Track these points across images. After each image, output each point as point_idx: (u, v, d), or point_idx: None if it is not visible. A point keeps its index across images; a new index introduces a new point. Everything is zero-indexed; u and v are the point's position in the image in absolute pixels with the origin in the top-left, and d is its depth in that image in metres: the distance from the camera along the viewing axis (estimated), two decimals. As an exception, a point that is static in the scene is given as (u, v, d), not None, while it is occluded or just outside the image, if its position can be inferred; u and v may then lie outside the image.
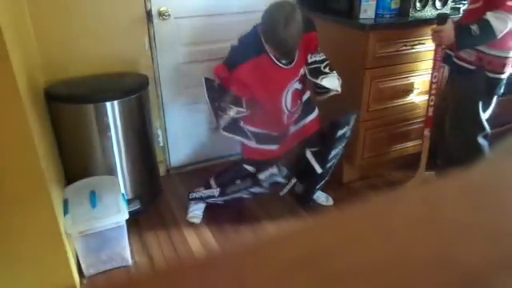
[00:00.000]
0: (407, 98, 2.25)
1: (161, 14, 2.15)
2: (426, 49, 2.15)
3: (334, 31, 2.23)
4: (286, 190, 2.19)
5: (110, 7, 2.03)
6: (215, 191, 2.03)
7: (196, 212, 2.08)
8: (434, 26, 1.86)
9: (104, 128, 1.89)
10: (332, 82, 1.86)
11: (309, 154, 2.01)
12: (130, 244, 1.80)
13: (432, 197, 0.21)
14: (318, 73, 1.86)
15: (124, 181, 2.04)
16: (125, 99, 1.90)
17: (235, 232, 2.03)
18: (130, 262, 1.80)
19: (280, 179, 1.97)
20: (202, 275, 0.17)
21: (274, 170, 1.90)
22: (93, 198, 1.71)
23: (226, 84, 1.82)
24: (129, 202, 1.96)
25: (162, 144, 2.43)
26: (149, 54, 2.21)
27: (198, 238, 1.98)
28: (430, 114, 2.03)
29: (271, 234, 0.19)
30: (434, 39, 1.88)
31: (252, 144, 1.97)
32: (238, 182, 1.99)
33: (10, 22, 1.35)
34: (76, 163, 1.96)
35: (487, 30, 1.65)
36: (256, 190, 1.99)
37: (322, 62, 1.88)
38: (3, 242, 1.38)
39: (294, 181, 2.19)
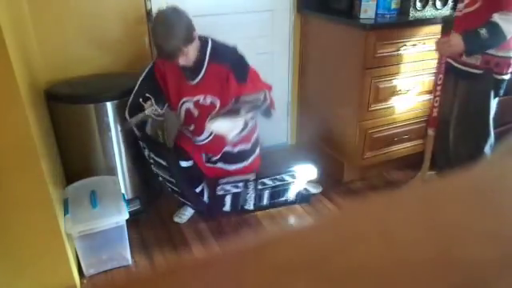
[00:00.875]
0: (407, 98, 2.25)
1: (161, 14, 2.15)
2: (426, 49, 2.15)
3: (334, 31, 2.23)
4: (185, 218, 2.10)
5: (110, 7, 2.03)
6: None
7: (184, 212, 2.10)
8: (439, 38, 1.84)
9: (104, 128, 1.89)
10: (222, 127, 1.73)
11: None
12: (130, 244, 1.80)
13: (432, 197, 0.21)
14: (215, 115, 1.75)
15: (124, 181, 2.04)
16: (125, 99, 1.90)
17: (235, 232, 2.03)
18: (130, 262, 1.80)
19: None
20: (202, 275, 0.17)
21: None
22: (93, 198, 1.71)
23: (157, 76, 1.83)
24: (129, 202, 1.96)
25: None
26: (149, 54, 2.21)
27: (198, 238, 1.98)
28: (435, 114, 1.99)
29: (271, 234, 0.19)
30: (440, 50, 1.84)
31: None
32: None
33: (11, 22, 1.35)
34: (76, 163, 1.96)
35: (497, 32, 1.59)
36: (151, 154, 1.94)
37: (236, 103, 1.76)
38: (3, 242, 1.38)
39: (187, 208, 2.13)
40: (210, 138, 1.91)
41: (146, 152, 1.92)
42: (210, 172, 2.04)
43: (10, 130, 1.24)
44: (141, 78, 1.84)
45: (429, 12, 2.12)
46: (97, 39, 2.06)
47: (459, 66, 1.84)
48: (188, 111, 1.88)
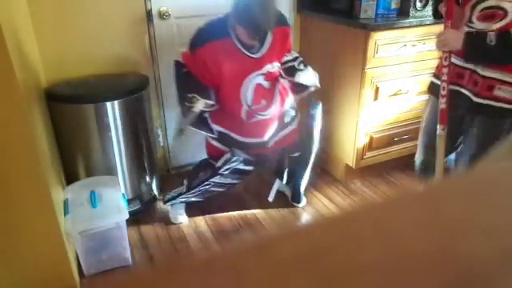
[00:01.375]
0: (407, 98, 2.25)
1: (161, 14, 2.15)
2: (426, 49, 2.16)
3: (335, 31, 2.23)
4: (273, 194, 2.20)
5: (110, 7, 2.03)
6: (182, 188, 2.03)
7: (177, 212, 2.08)
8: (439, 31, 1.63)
9: (104, 128, 1.89)
10: (309, 77, 1.83)
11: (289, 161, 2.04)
12: (130, 244, 1.80)
13: (432, 195, 0.21)
14: (293, 70, 1.83)
15: (124, 181, 2.04)
16: (125, 99, 1.91)
17: (235, 231, 2.03)
18: (130, 261, 1.80)
19: (241, 166, 1.93)
20: (202, 275, 0.17)
21: (227, 155, 1.88)
22: (93, 198, 1.71)
23: (192, 70, 1.76)
24: (129, 202, 1.96)
25: (162, 144, 2.43)
26: (149, 54, 2.21)
27: (198, 238, 1.98)
28: (443, 105, 1.57)
29: (271, 233, 0.19)
30: (436, 45, 1.55)
31: (215, 142, 1.94)
32: (201, 174, 2.00)
33: (11, 22, 1.35)
34: (76, 163, 1.96)
35: (508, 44, 1.32)
36: (219, 179, 1.96)
37: (294, 59, 1.86)
38: (3, 242, 1.38)
39: (278, 183, 2.21)
40: (279, 109, 1.91)
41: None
42: (271, 150, 2.00)
43: (10, 129, 1.24)
44: (176, 85, 1.82)
45: (429, 12, 2.12)
46: (97, 39, 2.06)
47: (484, 102, 1.49)
48: (258, 87, 1.82)
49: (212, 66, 1.72)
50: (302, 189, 2.20)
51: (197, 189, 1.99)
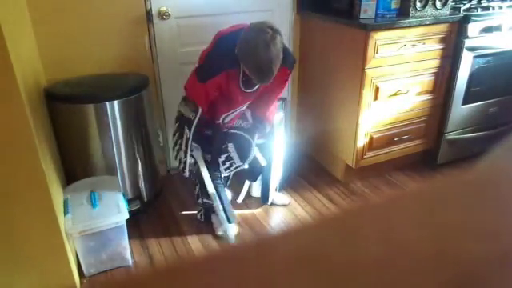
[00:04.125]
0: (407, 98, 2.25)
1: (161, 14, 2.15)
2: (426, 49, 2.16)
3: (334, 31, 2.23)
4: (242, 197, 2.22)
5: (110, 7, 2.03)
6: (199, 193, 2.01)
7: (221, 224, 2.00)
8: None
9: (104, 128, 1.89)
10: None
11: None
12: (130, 244, 1.80)
13: (432, 195, 0.21)
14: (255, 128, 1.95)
15: (124, 181, 2.04)
16: (125, 99, 1.91)
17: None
18: (130, 261, 1.80)
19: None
20: (202, 274, 0.17)
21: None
22: (93, 198, 1.71)
23: (202, 105, 1.78)
24: (129, 201, 1.96)
25: (162, 144, 2.43)
26: (149, 54, 2.21)
27: (198, 238, 1.98)
28: None
29: (271, 233, 0.19)
30: None
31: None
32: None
33: (11, 22, 1.35)
34: (76, 163, 1.96)
35: None
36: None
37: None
38: (3, 242, 1.38)
39: (247, 184, 2.22)
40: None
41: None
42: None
43: (10, 129, 1.24)
44: (188, 137, 1.82)
45: (429, 12, 2.12)
46: (97, 39, 2.06)
47: None
48: (239, 113, 1.92)
49: (216, 94, 1.76)
50: (272, 189, 2.18)
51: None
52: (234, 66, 1.67)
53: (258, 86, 1.79)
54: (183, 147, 1.84)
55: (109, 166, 1.97)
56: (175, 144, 1.89)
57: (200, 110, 1.77)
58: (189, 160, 1.87)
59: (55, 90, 1.88)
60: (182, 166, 1.89)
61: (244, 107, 1.90)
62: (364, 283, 0.16)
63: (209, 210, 2.03)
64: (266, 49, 1.55)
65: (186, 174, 1.90)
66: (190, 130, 1.80)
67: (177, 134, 1.87)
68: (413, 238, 0.18)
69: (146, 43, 2.18)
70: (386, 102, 2.20)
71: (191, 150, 1.86)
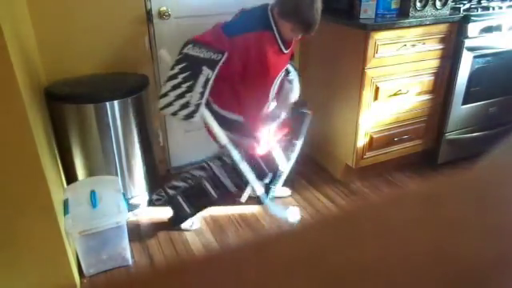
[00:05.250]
0: (407, 98, 2.25)
1: (161, 14, 2.15)
2: (425, 49, 2.16)
3: (334, 31, 2.23)
4: (245, 196, 2.19)
5: (110, 7, 2.03)
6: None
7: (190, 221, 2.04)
8: None
9: (104, 128, 1.89)
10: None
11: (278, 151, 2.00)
12: (130, 244, 1.80)
13: (432, 194, 0.21)
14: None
15: (124, 181, 2.04)
16: (125, 99, 1.91)
17: (235, 231, 2.03)
18: (130, 261, 1.80)
19: (240, 165, 1.85)
20: (202, 273, 0.17)
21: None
22: (93, 198, 1.71)
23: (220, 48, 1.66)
24: (129, 201, 1.96)
25: (162, 144, 2.43)
26: (149, 54, 2.21)
27: (198, 238, 1.98)
28: None
29: (271, 233, 0.19)
30: None
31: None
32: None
33: (11, 22, 1.35)
34: (76, 163, 1.96)
35: None
36: (215, 167, 1.94)
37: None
38: (3, 242, 1.38)
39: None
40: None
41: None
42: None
43: (10, 129, 1.24)
44: (210, 78, 1.67)
45: (429, 12, 2.12)
46: (97, 39, 2.06)
47: None
48: (279, 81, 1.86)
49: (255, 54, 1.65)
50: (272, 192, 2.14)
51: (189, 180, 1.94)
52: (264, 28, 1.66)
53: (290, 49, 1.77)
54: (198, 88, 1.62)
55: (109, 166, 1.97)
56: (177, 86, 1.64)
57: (226, 54, 1.63)
58: (204, 104, 1.63)
59: (55, 89, 1.88)
60: (190, 109, 1.62)
61: (281, 75, 1.83)
62: (364, 283, 0.16)
63: (173, 198, 1.95)
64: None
65: (197, 117, 1.64)
66: (213, 70, 1.61)
67: (181, 76, 1.65)
68: (412, 238, 0.18)
69: (146, 43, 2.18)
70: (386, 102, 2.20)
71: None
